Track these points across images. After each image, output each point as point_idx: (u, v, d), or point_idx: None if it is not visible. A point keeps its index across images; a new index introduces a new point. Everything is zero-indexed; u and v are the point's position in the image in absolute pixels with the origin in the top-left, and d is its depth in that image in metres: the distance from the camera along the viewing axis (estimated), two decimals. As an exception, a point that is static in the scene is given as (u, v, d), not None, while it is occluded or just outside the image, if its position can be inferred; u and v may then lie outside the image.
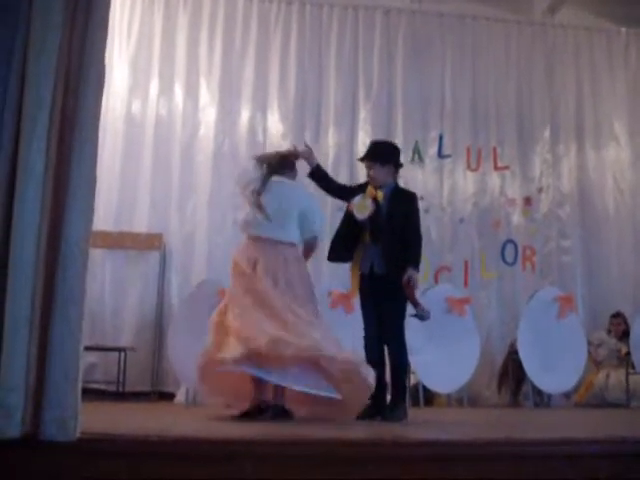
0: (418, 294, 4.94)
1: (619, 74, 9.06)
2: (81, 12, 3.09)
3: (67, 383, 2.85)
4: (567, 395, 7.69)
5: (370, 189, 5.00)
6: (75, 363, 2.90)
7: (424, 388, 7.17)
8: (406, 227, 4.89)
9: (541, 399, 7.52)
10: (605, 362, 7.78)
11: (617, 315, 7.95)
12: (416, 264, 4.82)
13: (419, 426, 4.64)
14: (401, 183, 8.02)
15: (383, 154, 5.10)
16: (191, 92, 8.04)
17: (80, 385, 2.94)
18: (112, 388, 7.06)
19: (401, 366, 4.95)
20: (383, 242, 4.88)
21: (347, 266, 7.20)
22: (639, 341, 7.38)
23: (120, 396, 6.92)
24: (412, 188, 8.06)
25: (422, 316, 4.80)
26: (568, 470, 3.19)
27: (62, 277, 2.90)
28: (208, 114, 8.02)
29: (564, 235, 8.53)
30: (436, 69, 8.62)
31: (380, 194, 4.96)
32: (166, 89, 8.01)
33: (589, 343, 7.70)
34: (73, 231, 2.95)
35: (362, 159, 5.17)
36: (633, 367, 7.43)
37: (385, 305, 4.88)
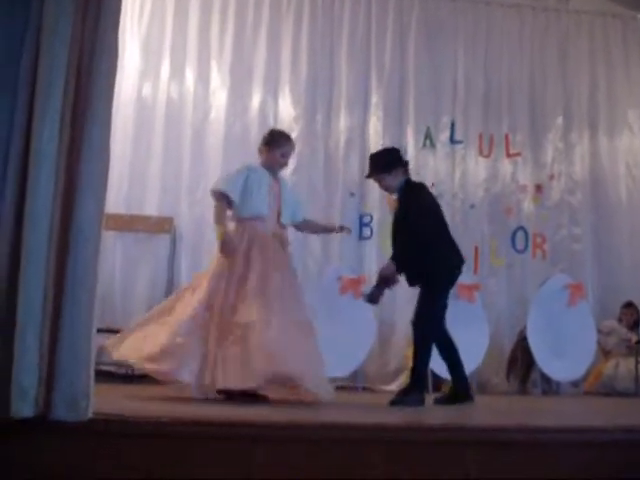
0: None
1: (634, 61, 8.98)
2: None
3: (78, 365, 2.87)
4: (575, 384, 7.68)
5: (388, 199, 5.13)
6: (86, 345, 2.92)
7: (432, 374, 7.16)
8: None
9: (549, 387, 7.51)
10: (614, 351, 7.76)
11: (630, 305, 7.92)
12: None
13: (428, 411, 4.64)
14: (412, 169, 8.10)
15: (383, 164, 5.16)
16: (202, 75, 8.02)
17: (92, 367, 2.95)
18: (121, 370, 7.08)
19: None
20: (394, 243, 5.09)
21: (356, 250, 7.22)
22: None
23: (130, 379, 6.93)
24: (423, 174, 8.13)
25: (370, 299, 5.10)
26: (576, 458, 3.19)
27: (74, 261, 2.92)
28: (219, 97, 7.99)
29: (575, 223, 8.49)
30: (449, 54, 8.56)
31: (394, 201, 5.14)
32: (177, 72, 7.98)
33: (599, 331, 7.69)
34: (85, 215, 2.96)
35: (368, 177, 5.31)
36: (642, 355, 7.42)
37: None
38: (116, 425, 2.99)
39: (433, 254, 4.92)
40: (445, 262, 5.07)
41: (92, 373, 2.95)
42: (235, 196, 4.85)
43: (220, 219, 4.92)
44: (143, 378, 7.02)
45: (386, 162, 5.16)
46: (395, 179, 5.10)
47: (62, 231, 2.94)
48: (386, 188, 5.23)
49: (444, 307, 5.10)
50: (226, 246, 4.76)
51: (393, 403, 4.79)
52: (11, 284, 2.86)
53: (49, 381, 2.84)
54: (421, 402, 4.86)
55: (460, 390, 5.16)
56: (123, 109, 7.73)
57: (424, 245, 4.88)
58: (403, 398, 4.83)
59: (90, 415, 2.89)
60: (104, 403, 3.24)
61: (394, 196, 5.22)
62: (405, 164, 5.21)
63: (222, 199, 4.90)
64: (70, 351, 2.86)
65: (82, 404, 2.85)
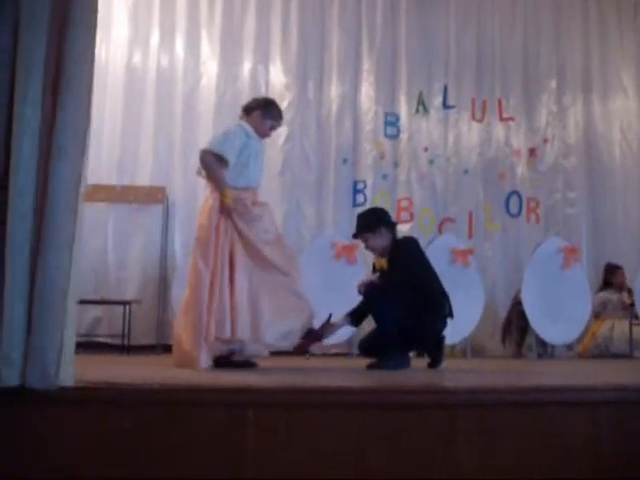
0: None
1: (627, 23, 8.89)
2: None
3: (50, 331, 2.85)
4: (570, 347, 7.71)
5: (376, 261, 5.11)
6: (59, 311, 2.89)
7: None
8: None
9: (545, 350, 7.53)
10: (609, 315, 7.79)
11: (619, 267, 7.93)
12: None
13: (422, 374, 4.65)
14: (406, 135, 8.09)
15: (369, 224, 5.15)
16: (192, 44, 7.94)
17: (69, 334, 2.92)
18: (117, 342, 7.11)
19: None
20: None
21: (350, 217, 7.23)
22: (643, 292, 7.39)
23: (125, 349, 6.95)
24: (417, 139, 8.11)
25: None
26: (570, 417, 3.21)
27: (48, 226, 2.90)
28: (209, 66, 7.92)
29: (569, 187, 8.47)
30: (441, 19, 8.48)
31: (384, 262, 5.08)
32: (167, 41, 7.90)
33: (594, 306, 7.72)
34: (59, 178, 2.93)
35: (355, 236, 5.28)
36: (637, 317, 7.43)
37: None
38: (106, 392, 3.00)
39: (420, 319, 4.90)
40: (432, 327, 5.04)
41: (69, 341, 2.92)
42: (231, 160, 4.68)
43: (222, 181, 4.67)
44: (140, 349, 7.09)
45: (371, 222, 5.15)
46: (382, 240, 5.10)
47: (41, 199, 2.91)
48: (372, 249, 5.21)
49: None
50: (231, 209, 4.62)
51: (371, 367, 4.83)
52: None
53: (27, 350, 2.84)
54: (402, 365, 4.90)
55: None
56: (113, 79, 7.69)
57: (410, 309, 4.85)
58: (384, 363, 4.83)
59: (67, 384, 2.88)
60: (97, 373, 3.24)
61: (383, 261, 5.11)
62: (390, 224, 5.21)
63: (218, 161, 4.67)
64: (41, 319, 2.85)
65: (50, 371, 2.84)
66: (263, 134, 5.02)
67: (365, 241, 5.19)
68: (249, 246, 4.67)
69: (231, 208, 4.59)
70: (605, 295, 7.88)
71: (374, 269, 5.25)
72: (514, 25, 8.64)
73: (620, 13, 8.90)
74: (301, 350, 5.18)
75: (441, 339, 5.20)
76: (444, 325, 5.11)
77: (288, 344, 4.79)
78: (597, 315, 7.78)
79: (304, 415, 3.01)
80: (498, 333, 7.75)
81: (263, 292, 4.61)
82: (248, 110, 5.02)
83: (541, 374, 5.03)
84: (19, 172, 2.87)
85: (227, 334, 4.44)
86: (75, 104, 2.95)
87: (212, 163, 4.67)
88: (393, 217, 7.67)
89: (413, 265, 5.03)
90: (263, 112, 4.98)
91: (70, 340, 2.93)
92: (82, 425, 2.89)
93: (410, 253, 5.10)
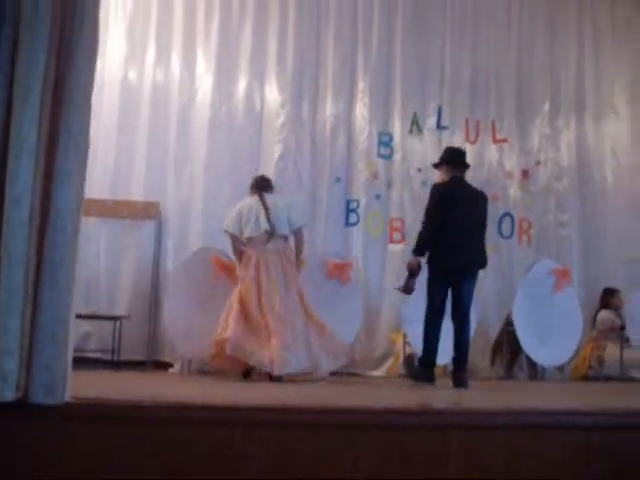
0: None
1: (621, 45, 8.94)
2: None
3: (55, 347, 2.86)
4: (561, 369, 7.70)
5: None
6: (64, 327, 2.90)
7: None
8: None
9: (535, 372, 7.53)
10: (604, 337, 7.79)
11: (617, 290, 7.91)
12: (414, 250, 5.81)
13: (413, 394, 4.65)
14: (399, 155, 8.12)
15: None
16: (188, 60, 7.95)
17: (70, 350, 2.93)
18: (107, 357, 7.06)
19: None
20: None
21: (342, 235, 7.29)
22: (634, 315, 7.38)
23: (115, 365, 6.91)
24: (410, 159, 8.15)
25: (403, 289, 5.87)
26: (561, 440, 3.21)
27: (51, 245, 2.90)
28: (205, 82, 7.94)
29: (562, 208, 8.49)
30: (436, 40, 8.52)
31: None
32: (163, 58, 7.93)
33: (597, 323, 7.71)
34: (63, 200, 2.95)
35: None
36: (628, 341, 7.44)
37: None
38: (97, 409, 2.98)
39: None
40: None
41: (70, 357, 2.93)
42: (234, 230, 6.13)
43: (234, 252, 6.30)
44: (129, 365, 7.05)
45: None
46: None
47: (41, 216, 2.91)
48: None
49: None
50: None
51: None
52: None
53: (28, 365, 2.82)
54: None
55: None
56: (108, 94, 7.69)
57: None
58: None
59: (67, 399, 2.87)
60: (87, 389, 3.22)
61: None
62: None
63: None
64: (47, 335, 2.85)
65: (59, 388, 2.84)
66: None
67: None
68: None
69: None
70: (611, 315, 7.81)
71: None
72: (508, 48, 8.69)
73: (614, 37, 8.96)
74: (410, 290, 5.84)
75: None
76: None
77: None
78: (603, 335, 7.72)
79: (295, 434, 2.99)
80: (489, 353, 7.73)
81: None
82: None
83: (532, 396, 5.02)
84: (16, 189, 2.86)
85: None
86: (79, 128, 2.97)
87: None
88: (386, 237, 7.78)
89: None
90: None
91: (71, 356, 2.93)
92: (79, 440, 2.87)
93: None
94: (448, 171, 5.97)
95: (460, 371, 5.56)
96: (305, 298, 6.02)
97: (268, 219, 5.95)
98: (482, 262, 5.86)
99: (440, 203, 5.75)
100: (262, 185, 6.24)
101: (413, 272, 5.73)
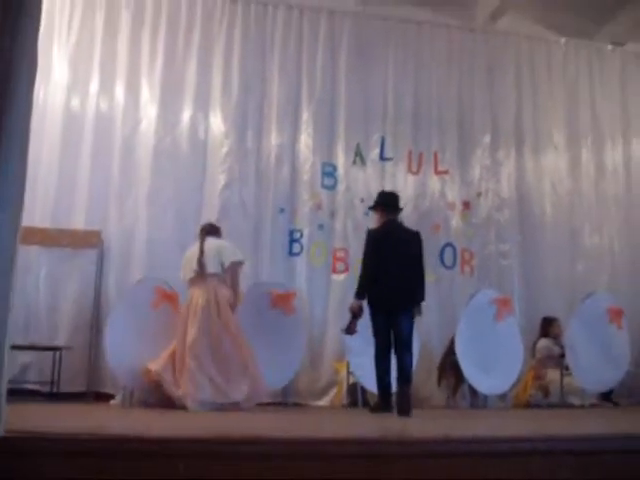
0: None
1: (558, 83, 9.25)
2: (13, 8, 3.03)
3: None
4: (503, 396, 7.78)
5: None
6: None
7: (362, 389, 7.21)
8: None
9: (477, 400, 7.59)
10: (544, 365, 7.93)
11: (555, 319, 8.09)
12: (356, 294, 6.09)
13: (354, 425, 4.65)
14: (343, 185, 8.19)
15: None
16: (132, 89, 7.93)
17: (4, 381, 2.85)
18: (46, 389, 6.93)
19: None
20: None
21: (286, 265, 7.38)
22: (573, 343, 7.51)
23: (55, 397, 6.78)
24: (354, 190, 8.23)
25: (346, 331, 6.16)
26: (500, 467, 3.23)
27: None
28: (149, 111, 7.92)
29: (502, 239, 8.65)
30: (379, 72, 8.66)
31: None
32: (107, 87, 7.88)
33: (536, 351, 7.85)
34: (1, 231, 2.88)
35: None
36: (567, 368, 7.57)
37: None
38: (34, 442, 2.91)
39: None
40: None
41: (4, 389, 2.85)
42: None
43: None
44: (69, 396, 6.91)
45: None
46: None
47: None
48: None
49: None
50: None
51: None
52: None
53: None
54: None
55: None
56: (50, 121, 7.63)
57: None
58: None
59: (1, 433, 2.80)
60: (24, 421, 3.15)
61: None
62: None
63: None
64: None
65: None
66: None
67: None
68: None
69: None
70: (549, 343, 7.98)
71: None
72: (450, 81, 8.88)
73: (551, 72, 9.25)
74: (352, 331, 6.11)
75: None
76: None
77: None
78: (541, 363, 7.87)
79: (236, 466, 2.97)
80: (432, 381, 7.77)
81: None
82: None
83: (474, 424, 5.07)
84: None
85: None
86: (18, 157, 2.93)
87: None
88: (329, 267, 7.83)
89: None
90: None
91: (5, 387, 2.86)
92: (15, 476, 2.79)
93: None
94: (383, 214, 6.28)
95: (403, 401, 5.63)
96: (234, 332, 6.19)
97: (199, 260, 6.23)
98: (419, 297, 6.08)
99: (374, 247, 6.08)
100: (208, 230, 6.58)
101: (355, 314, 6.04)
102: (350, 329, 6.06)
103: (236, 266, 6.41)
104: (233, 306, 6.30)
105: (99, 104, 7.84)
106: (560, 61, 9.34)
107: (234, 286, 6.41)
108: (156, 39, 8.08)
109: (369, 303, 6.03)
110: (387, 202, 6.34)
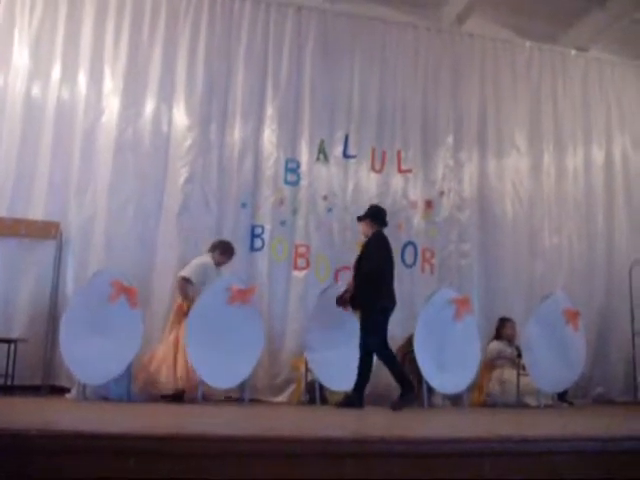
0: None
1: (521, 85, 9.36)
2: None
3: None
4: (459, 396, 7.81)
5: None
6: None
7: (320, 386, 7.20)
8: None
9: (435, 399, 7.61)
10: (499, 366, 8.00)
11: (509, 319, 8.18)
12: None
13: (315, 423, 4.64)
14: (306, 182, 8.18)
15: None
16: (95, 79, 7.84)
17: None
18: (0, 381, 6.82)
19: None
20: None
21: (247, 260, 7.35)
22: (530, 344, 7.57)
23: (9, 390, 6.68)
24: (316, 187, 8.23)
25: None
26: (454, 467, 3.25)
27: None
28: (112, 102, 7.84)
29: (463, 239, 8.72)
30: (345, 69, 8.67)
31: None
32: (69, 75, 7.79)
33: (486, 353, 7.92)
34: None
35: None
36: (524, 368, 7.64)
37: None
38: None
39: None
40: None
41: None
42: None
43: None
44: (24, 389, 6.82)
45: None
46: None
47: None
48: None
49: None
50: None
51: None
52: None
53: None
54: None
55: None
56: (10, 109, 7.52)
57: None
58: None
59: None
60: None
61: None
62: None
63: None
64: None
65: None
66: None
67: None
68: None
69: None
70: (500, 346, 8.07)
71: None
72: (415, 80, 8.94)
73: (515, 74, 9.36)
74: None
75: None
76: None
77: None
78: (491, 364, 7.96)
79: (190, 464, 2.95)
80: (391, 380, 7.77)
81: None
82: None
83: (429, 425, 5.09)
84: None
85: None
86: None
87: None
88: (291, 263, 7.83)
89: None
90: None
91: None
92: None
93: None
94: (372, 226, 6.71)
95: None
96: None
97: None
98: None
99: (388, 254, 6.62)
100: (210, 246, 7.39)
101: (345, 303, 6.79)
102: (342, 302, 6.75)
103: (182, 280, 7.05)
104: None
105: (61, 93, 7.74)
106: (524, 65, 9.46)
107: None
108: (120, 28, 8.00)
109: (383, 307, 6.49)
110: (379, 216, 6.78)
